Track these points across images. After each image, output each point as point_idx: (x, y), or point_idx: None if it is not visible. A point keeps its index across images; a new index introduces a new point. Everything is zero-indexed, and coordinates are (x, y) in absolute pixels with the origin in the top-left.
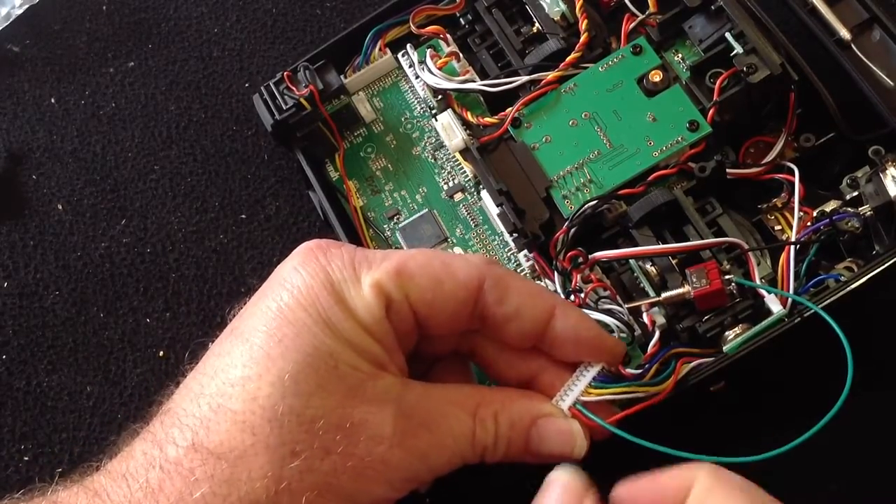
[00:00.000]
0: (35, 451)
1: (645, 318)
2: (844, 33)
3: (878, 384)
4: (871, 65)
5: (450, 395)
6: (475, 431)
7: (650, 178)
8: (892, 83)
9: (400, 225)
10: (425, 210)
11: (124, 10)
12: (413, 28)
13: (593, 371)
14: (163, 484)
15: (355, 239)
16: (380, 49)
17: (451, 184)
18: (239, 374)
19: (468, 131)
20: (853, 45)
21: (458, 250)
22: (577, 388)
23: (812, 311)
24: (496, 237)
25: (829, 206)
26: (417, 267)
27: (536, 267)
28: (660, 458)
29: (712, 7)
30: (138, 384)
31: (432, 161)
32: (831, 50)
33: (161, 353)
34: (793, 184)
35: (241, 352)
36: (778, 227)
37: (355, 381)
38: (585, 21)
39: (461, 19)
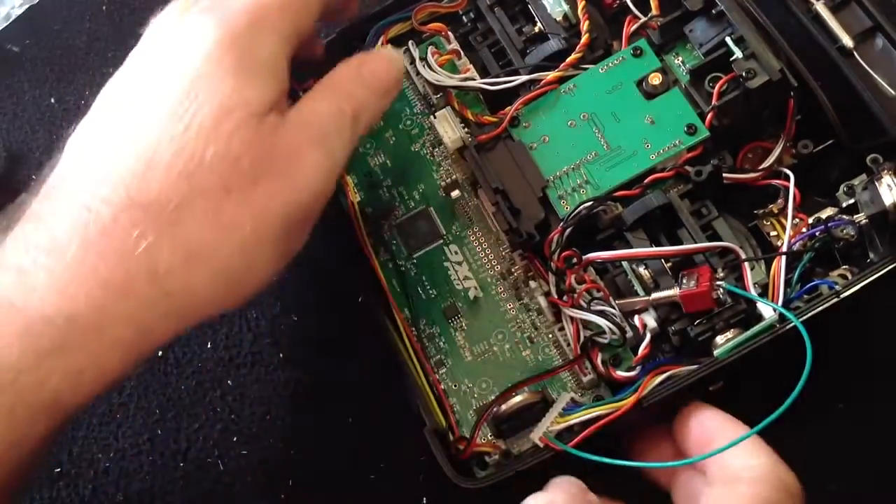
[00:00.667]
0: None
1: (636, 321)
2: (847, 41)
3: (878, 387)
4: (872, 73)
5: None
6: None
7: (646, 181)
8: (893, 92)
9: (396, 221)
10: (422, 207)
11: (124, 10)
12: (415, 24)
13: (561, 402)
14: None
15: (352, 235)
16: (381, 45)
17: (448, 181)
18: (161, 130)
19: (466, 129)
20: (855, 53)
21: (454, 248)
22: (546, 420)
23: (803, 318)
24: (492, 235)
25: (825, 213)
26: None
27: (531, 267)
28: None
29: (713, 11)
30: (137, 384)
31: (430, 158)
32: (833, 57)
33: (160, 354)
34: (789, 190)
35: (157, 108)
36: (774, 233)
37: (272, 122)
38: (587, 22)
39: (463, 17)
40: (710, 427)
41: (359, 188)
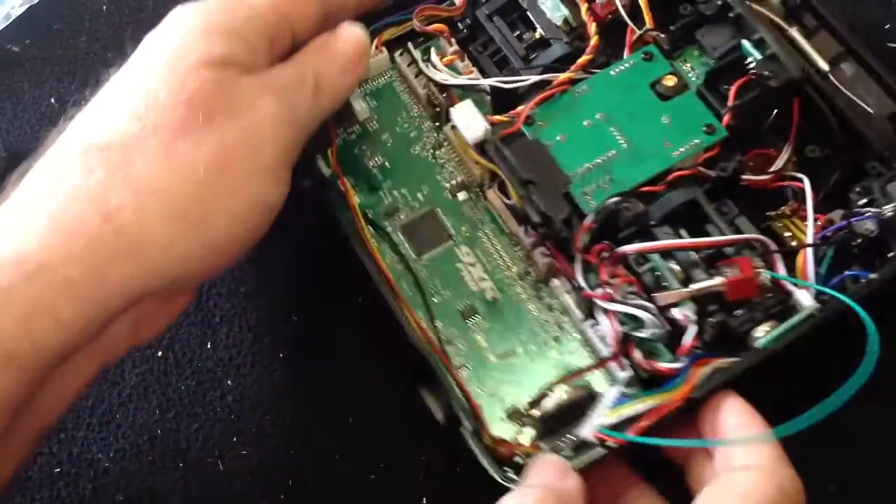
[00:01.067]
0: (34, 451)
1: (676, 314)
2: (822, 64)
3: (878, 383)
4: (850, 94)
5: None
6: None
7: (669, 179)
8: (872, 110)
9: (401, 222)
10: (428, 208)
11: (124, 10)
12: (417, 26)
13: (611, 395)
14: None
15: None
16: (375, 47)
17: (454, 182)
18: (124, 82)
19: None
20: (831, 76)
21: (465, 249)
22: (598, 413)
23: (841, 306)
24: (504, 237)
25: (834, 215)
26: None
27: (554, 264)
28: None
29: (730, 14)
30: (137, 384)
31: (433, 160)
32: (814, 78)
33: (160, 354)
34: (801, 191)
35: (128, 70)
36: (788, 234)
37: (231, 74)
38: (594, 24)
39: (460, 24)
40: (729, 417)
41: (357, 190)
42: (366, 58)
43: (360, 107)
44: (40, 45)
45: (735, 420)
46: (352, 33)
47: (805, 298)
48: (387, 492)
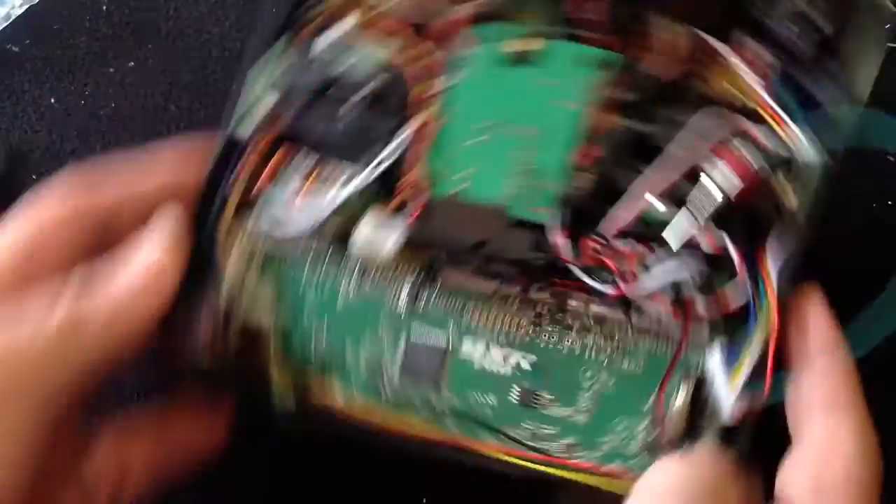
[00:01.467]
0: None
1: (703, 246)
2: None
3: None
4: None
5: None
6: None
7: (594, 134)
8: None
9: (395, 374)
10: (403, 338)
11: (124, 10)
12: (250, 183)
13: (717, 362)
14: None
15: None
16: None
17: (404, 295)
18: None
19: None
20: None
21: (467, 344)
22: (723, 388)
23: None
24: (491, 300)
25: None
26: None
27: (557, 290)
28: None
29: None
30: (138, 385)
31: (367, 291)
32: None
33: None
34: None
35: None
36: (729, 95)
37: None
38: (418, 48)
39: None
40: (816, 340)
41: (333, 388)
42: (153, 281)
43: (264, 317)
44: (40, 45)
45: (820, 348)
46: (133, 259)
47: (806, 154)
48: (387, 492)
